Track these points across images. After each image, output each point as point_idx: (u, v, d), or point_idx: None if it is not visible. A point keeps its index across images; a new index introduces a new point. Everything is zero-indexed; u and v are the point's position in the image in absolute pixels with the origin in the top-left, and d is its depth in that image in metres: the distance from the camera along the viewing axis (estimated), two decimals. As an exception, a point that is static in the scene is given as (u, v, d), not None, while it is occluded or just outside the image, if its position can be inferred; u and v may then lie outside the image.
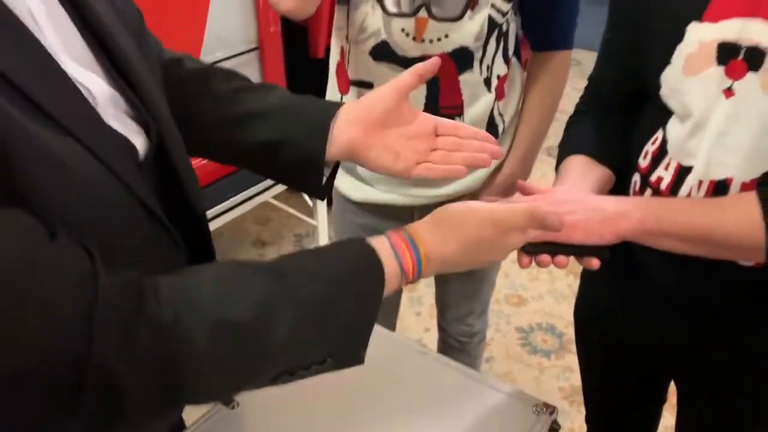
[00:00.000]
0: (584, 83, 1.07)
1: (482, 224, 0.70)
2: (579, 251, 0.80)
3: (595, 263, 0.80)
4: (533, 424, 0.81)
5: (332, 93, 1.29)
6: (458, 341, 1.58)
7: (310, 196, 0.74)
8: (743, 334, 0.94)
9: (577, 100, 1.08)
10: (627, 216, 0.82)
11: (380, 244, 0.66)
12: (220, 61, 1.83)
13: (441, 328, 1.61)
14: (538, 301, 2.40)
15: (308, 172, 0.75)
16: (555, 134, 1.46)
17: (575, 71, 3.56)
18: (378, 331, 0.66)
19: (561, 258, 0.80)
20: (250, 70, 1.92)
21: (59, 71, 0.51)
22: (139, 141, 0.59)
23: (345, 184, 1.32)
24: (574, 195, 0.87)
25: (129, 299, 0.49)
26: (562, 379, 2.07)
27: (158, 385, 0.50)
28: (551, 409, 0.84)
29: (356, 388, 0.87)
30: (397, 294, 1.55)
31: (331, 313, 0.59)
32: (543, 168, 2.94)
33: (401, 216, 1.31)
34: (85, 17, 0.58)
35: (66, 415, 0.48)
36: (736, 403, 1.01)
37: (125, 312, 0.48)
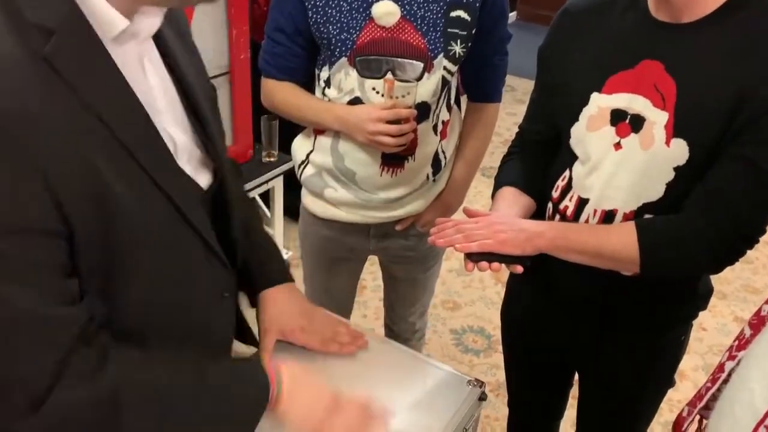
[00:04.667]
0: (517, 107, 1.34)
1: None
2: (508, 260, 1.06)
3: (519, 269, 1.06)
4: (468, 393, 1.06)
5: None
6: (402, 338, 1.82)
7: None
8: (625, 334, 1.23)
9: (509, 122, 1.36)
10: (543, 235, 1.08)
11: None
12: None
13: (387, 327, 1.86)
14: (470, 306, 2.68)
15: None
16: (489, 155, 1.72)
17: (509, 96, 3.90)
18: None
19: (495, 264, 1.05)
20: (221, 91, 2.12)
21: (152, 127, 0.72)
22: (203, 180, 0.83)
23: (314, 205, 1.54)
24: (505, 218, 1.13)
25: (90, 368, 0.67)
26: (489, 375, 2.34)
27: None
28: (480, 383, 1.08)
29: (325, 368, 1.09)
30: (352, 291, 1.79)
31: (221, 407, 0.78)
32: (479, 186, 3.25)
33: (359, 230, 1.55)
34: (186, 91, 0.82)
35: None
36: (621, 384, 1.30)
37: (84, 377, 0.66)
